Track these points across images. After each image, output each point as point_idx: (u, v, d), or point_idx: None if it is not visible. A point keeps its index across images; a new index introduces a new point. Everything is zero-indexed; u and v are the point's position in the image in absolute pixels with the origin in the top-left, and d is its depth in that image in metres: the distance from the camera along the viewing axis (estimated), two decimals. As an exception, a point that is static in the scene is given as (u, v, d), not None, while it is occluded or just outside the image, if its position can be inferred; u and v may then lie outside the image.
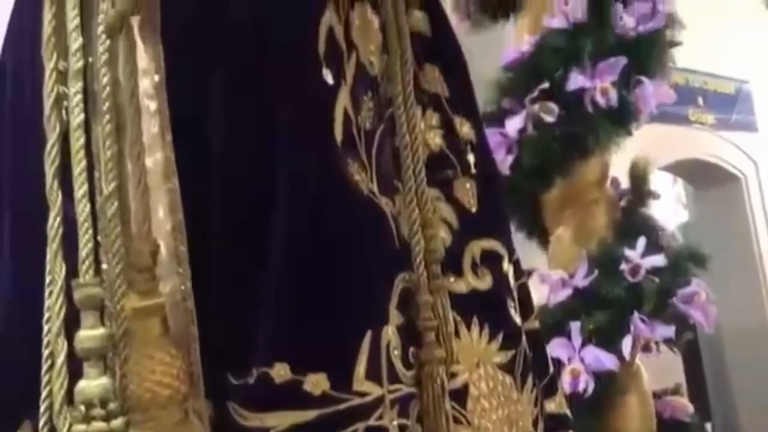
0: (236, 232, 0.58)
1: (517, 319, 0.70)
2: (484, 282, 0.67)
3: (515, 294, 0.72)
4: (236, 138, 0.58)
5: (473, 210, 0.69)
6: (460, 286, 0.66)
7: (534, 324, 0.75)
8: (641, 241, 1.62)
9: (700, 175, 4.69)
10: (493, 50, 1.84)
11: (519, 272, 0.75)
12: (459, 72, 0.75)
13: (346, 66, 0.62)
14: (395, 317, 0.59)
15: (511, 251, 0.72)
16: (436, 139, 0.70)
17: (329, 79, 0.60)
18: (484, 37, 1.91)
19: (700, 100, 4.68)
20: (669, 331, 1.56)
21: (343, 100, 0.60)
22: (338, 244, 0.57)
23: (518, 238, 1.80)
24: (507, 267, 0.71)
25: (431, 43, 0.73)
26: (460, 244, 0.67)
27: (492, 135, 1.61)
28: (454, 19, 1.91)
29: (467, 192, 0.70)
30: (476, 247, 0.68)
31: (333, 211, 0.58)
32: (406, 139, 0.65)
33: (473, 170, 0.71)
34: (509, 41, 1.85)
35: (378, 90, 0.66)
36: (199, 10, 0.61)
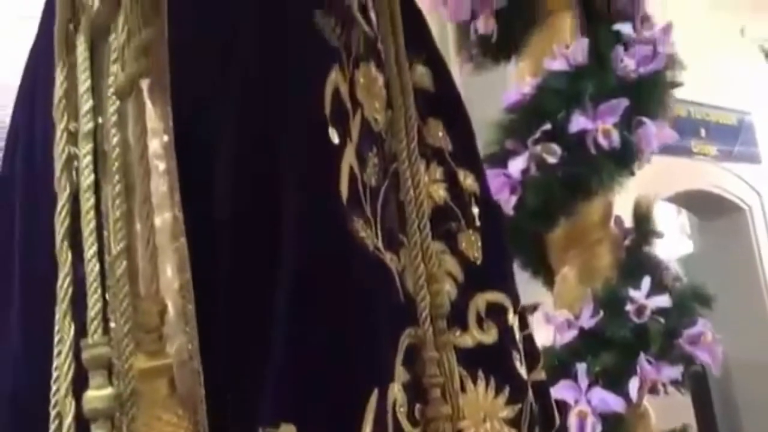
0: (243, 290, 0.58)
1: (523, 372, 0.70)
2: (490, 335, 0.67)
3: (521, 346, 0.72)
4: (243, 197, 0.59)
5: (478, 262, 0.70)
6: (466, 341, 0.66)
7: (540, 375, 0.75)
8: (646, 281, 1.62)
9: (703, 207, 4.69)
10: (495, 91, 1.86)
11: (524, 323, 0.75)
12: (461, 125, 0.76)
13: (351, 124, 0.63)
14: (401, 374, 0.59)
15: (516, 302, 0.73)
16: (440, 192, 0.71)
17: (335, 138, 0.61)
18: (487, 78, 1.94)
19: (703, 132, 4.70)
20: (676, 372, 1.55)
21: (348, 159, 0.61)
22: (344, 302, 0.58)
23: (523, 276, 1.80)
24: (512, 319, 0.71)
25: (434, 97, 0.74)
26: (465, 298, 0.67)
27: (495, 176, 1.63)
28: (457, 61, 1.94)
29: (472, 244, 0.71)
30: (481, 300, 0.68)
31: (339, 268, 0.58)
32: (411, 194, 0.66)
33: (477, 222, 0.72)
34: (511, 82, 1.87)
35: (382, 145, 0.67)
36: (206, 72, 0.62)
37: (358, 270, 0.58)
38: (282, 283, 0.57)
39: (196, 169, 0.60)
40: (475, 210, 0.72)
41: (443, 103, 0.75)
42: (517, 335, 0.71)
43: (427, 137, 0.73)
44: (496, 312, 0.68)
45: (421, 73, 0.75)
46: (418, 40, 0.75)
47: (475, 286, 0.69)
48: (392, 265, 0.61)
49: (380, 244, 0.61)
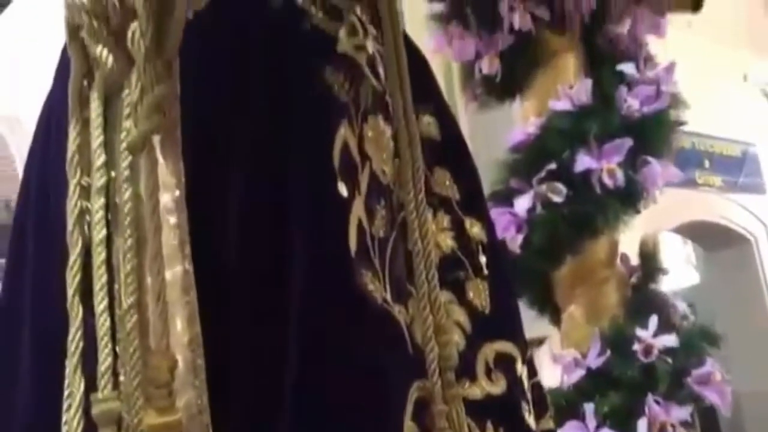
0: (252, 343, 0.58)
1: (531, 422, 0.69)
2: (498, 386, 0.67)
3: (529, 395, 0.72)
4: (253, 251, 0.60)
5: (486, 311, 0.70)
6: (474, 392, 0.66)
7: (548, 424, 0.75)
8: (653, 320, 1.62)
9: (709, 237, 4.68)
10: (500, 130, 1.87)
11: (533, 371, 0.75)
12: (467, 173, 0.77)
13: (360, 177, 0.64)
14: (411, 429, 0.59)
15: (525, 350, 0.73)
16: (447, 241, 0.72)
17: (344, 192, 0.61)
18: (491, 116, 1.96)
19: (707, 163, 4.71)
20: (685, 413, 1.53)
21: (357, 212, 0.62)
22: (353, 356, 0.58)
23: (530, 314, 1.80)
24: (521, 368, 0.71)
25: (440, 146, 0.75)
26: (473, 348, 0.67)
27: (501, 214, 1.63)
28: (461, 99, 1.96)
29: (480, 293, 0.71)
30: (489, 350, 0.68)
31: (348, 322, 0.58)
32: (419, 244, 0.67)
33: (485, 271, 0.72)
34: (515, 121, 1.88)
35: (390, 196, 0.68)
36: (217, 127, 0.63)
37: (366, 324, 0.59)
38: (291, 337, 0.57)
39: (206, 223, 0.60)
40: (483, 259, 0.72)
41: (450, 152, 0.76)
42: (526, 384, 0.71)
43: (434, 186, 0.73)
44: (504, 362, 0.68)
45: (428, 123, 0.76)
46: (425, 90, 0.77)
47: (484, 336, 0.69)
48: (400, 317, 0.62)
49: (388, 297, 0.62)
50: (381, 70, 0.71)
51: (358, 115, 0.66)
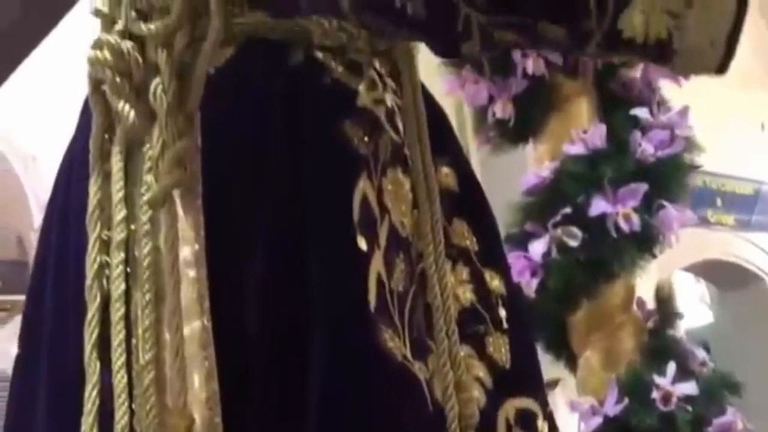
0: (271, 402, 0.58)
1: (553, 479, 0.68)
2: None
3: (550, 452, 0.70)
4: (271, 308, 0.59)
5: (506, 366, 0.69)
6: (496, 450, 0.64)
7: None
8: (671, 367, 1.59)
9: (722, 276, 4.63)
10: (513, 173, 1.87)
11: (553, 428, 0.73)
12: (486, 224, 0.77)
13: (379, 230, 0.64)
14: None
15: (545, 406, 0.71)
16: (466, 294, 0.71)
17: (363, 246, 0.61)
18: (504, 159, 1.96)
19: (719, 202, 4.69)
20: (707, 464, 1.50)
21: (376, 266, 0.61)
22: (373, 414, 0.57)
23: (545, 359, 1.77)
24: (542, 425, 0.69)
25: (458, 197, 0.75)
26: (494, 405, 0.66)
27: (516, 258, 1.62)
28: (474, 142, 1.97)
29: (500, 348, 0.70)
30: (510, 407, 0.67)
31: (367, 380, 0.58)
32: (438, 299, 0.66)
33: (505, 325, 0.71)
34: (528, 164, 1.89)
35: (409, 249, 0.67)
36: (237, 181, 0.63)
37: (386, 382, 0.58)
38: (311, 394, 0.56)
39: (225, 278, 0.60)
40: (502, 312, 0.72)
41: (467, 203, 0.76)
42: (546, 441, 0.70)
43: (453, 238, 0.73)
44: (525, 419, 0.67)
45: (446, 174, 0.75)
46: (443, 141, 0.77)
47: (504, 391, 0.67)
48: (420, 374, 0.61)
49: (408, 354, 0.61)
50: (399, 123, 0.71)
51: (377, 168, 0.66)
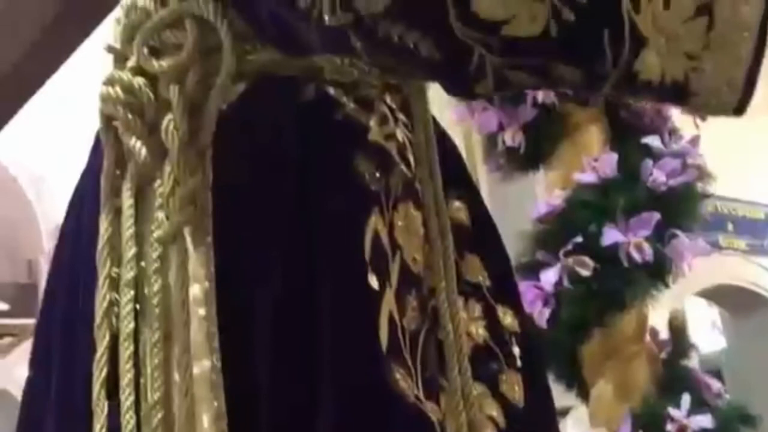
0: None
1: None
2: None
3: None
4: (281, 347, 0.58)
5: (520, 405, 0.68)
6: (509, 491, 0.63)
7: None
8: (686, 398, 1.57)
9: (735, 301, 4.59)
10: (523, 201, 1.87)
11: None
12: (498, 260, 0.76)
13: (390, 267, 0.63)
14: None
15: None
16: (479, 331, 0.70)
17: (374, 284, 0.60)
18: (515, 187, 1.95)
19: (730, 226, 4.66)
20: (724, 500, 1.47)
21: (388, 305, 0.60)
22: (385, 457, 0.56)
23: (557, 389, 1.75)
24: None
25: (470, 232, 0.74)
26: None
27: (527, 288, 1.61)
28: (483, 169, 1.97)
29: (513, 386, 0.69)
30: None
31: (379, 422, 0.57)
32: (450, 337, 0.65)
33: (518, 362, 0.70)
34: (539, 192, 1.88)
35: (421, 285, 0.67)
36: (248, 217, 0.63)
37: (398, 424, 0.57)
38: None
39: (235, 317, 0.59)
40: (516, 349, 0.70)
41: (480, 237, 0.75)
42: (561, 479, 0.68)
43: (465, 273, 0.72)
44: None
45: (458, 208, 0.75)
46: (454, 175, 0.76)
47: (518, 430, 0.66)
48: (433, 415, 0.60)
49: (421, 394, 0.60)
50: (411, 157, 0.70)
51: (388, 203, 0.65)
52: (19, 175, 6.29)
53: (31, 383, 0.68)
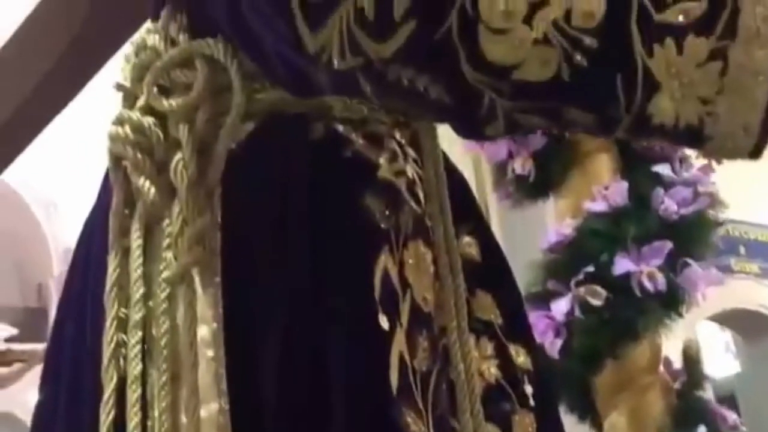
0: None
1: None
2: None
3: None
4: (290, 390, 0.58)
5: None
6: None
7: None
8: (701, 431, 1.54)
9: (748, 325, 4.54)
10: (533, 228, 1.86)
11: None
12: (510, 296, 0.75)
13: (401, 307, 0.62)
14: None
15: None
16: (491, 370, 0.69)
17: (385, 324, 0.60)
18: (524, 215, 1.95)
19: (742, 250, 4.63)
20: None
21: (398, 345, 0.60)
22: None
23: (570, 421, 1.73)
24: None
25: (481, 268, 0.73)
26: None
27: (538, 318, 1.60)
28: (493, 197, 1.96)
29: (526, 427, 0.67)
30: None
31: None
32: (462, 378, 0.64)
33: (531, 402, 0.69)
34: (549, 219, 1.87)
35: (432, 324, 0.66)
36: (257, 257, 0.62)
37: None
38: None
39: (243, 358, 0.59)
40: (529, 389, 0.69)
41: (491, 273, 0.74)
42: None
43: (477, 311, 0.71)
44: None
45: (468, 243, 0.74)
46: (464, 210, 0.75)
47: None
48: (445, 460, 0.59)
49: None
50: (420, 193, 0.70)
51: (398, 241, 0.65)
52: (30, 198, 6.33)
53: (41, 407, 0.67)
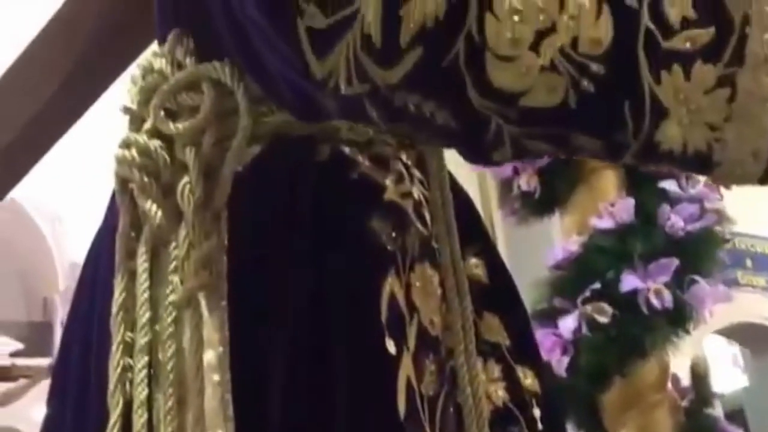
0: None
1: None
2: None
3: None
4: (296, 415, 0.57)
5: None
6: None
7: None
8: (712, 450, 1.53)
9: (756, 339, 4.51)
10: (540, 246, 1.85)
11: None
12: (518, 318, 0.74)
13: (408, 330, 0.62)
14: None
15: None
16: (498, 393, 0.68)
17: (391, 348, 0.59)
18: (530, 232, 1.94)
19: (749, 263, 4.61)
20: None
21: (405, 370, 0.59)
22: None
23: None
24: None
25: (488, 290, 0.73)
26: None
27: (545, 335, 1.59)
28: (498, 213, 1.96)
29: None
30: None
31: None
32: (469, 402, 0.64)
33: (539, 425, 0.68)
34: (555, 236, 1.86)
35: (439, 347, 0.65)
36: (263, 280, 0.62)
37: None
38: None
39: (248, 382, 0.58)
40: (537, 412, 0.69)
41: (498, 295, 0.74)
42: None
43: (484, 333, 0.71)
44: None
45: (475, 264, 0.74)
46: (470, 231, 0.75)
47: None
48: (452, 485, 0.58)
49: None
50: (426, 214, 0.70)
51: (405, 264, 0.64)
52: (35, 212, 6.34)
53: (49, 421, 0.67)
